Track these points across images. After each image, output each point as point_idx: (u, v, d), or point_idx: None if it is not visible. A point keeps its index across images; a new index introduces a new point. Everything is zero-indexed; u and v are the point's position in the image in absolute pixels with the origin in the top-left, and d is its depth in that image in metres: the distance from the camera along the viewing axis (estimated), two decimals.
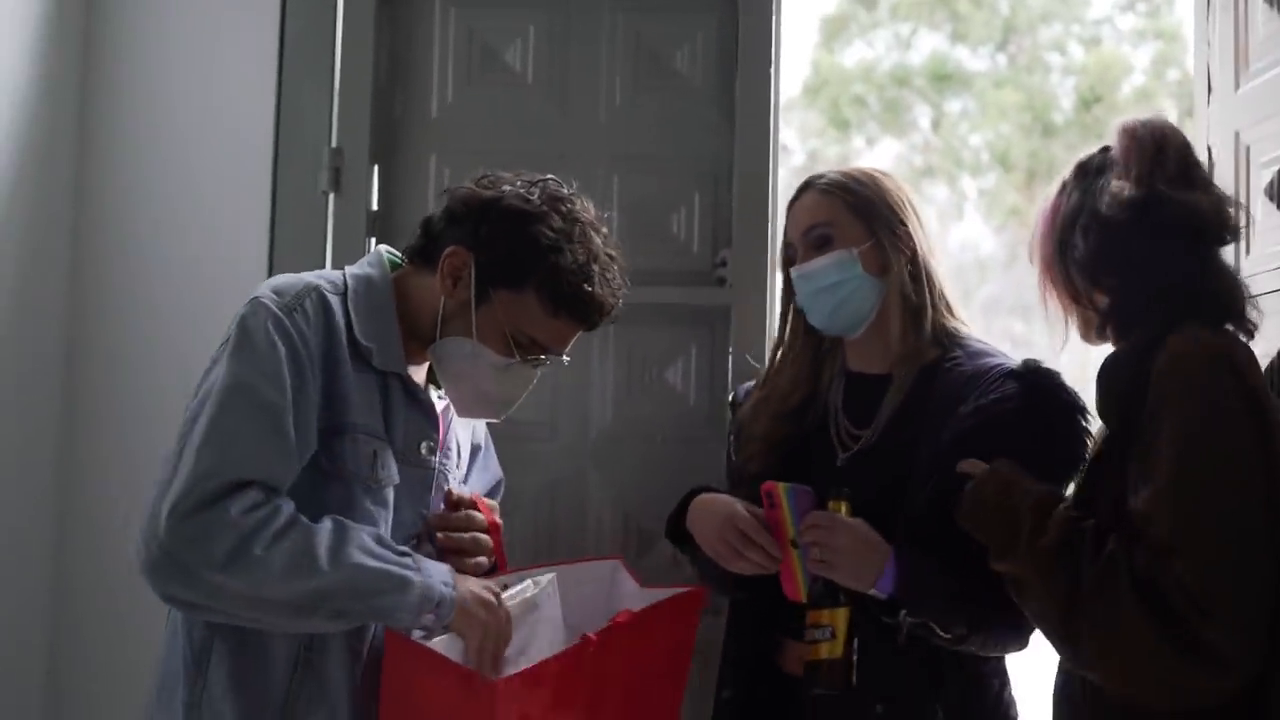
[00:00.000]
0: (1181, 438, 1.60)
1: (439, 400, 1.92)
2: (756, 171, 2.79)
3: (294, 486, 1.68)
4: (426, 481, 1.85)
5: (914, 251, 2.06)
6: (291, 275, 1.83)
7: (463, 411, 1.92)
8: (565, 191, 1.87)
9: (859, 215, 2.05)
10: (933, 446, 1.92)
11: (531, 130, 2.86)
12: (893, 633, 1.87)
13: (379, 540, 1.69)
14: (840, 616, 1.86)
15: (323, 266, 2.72)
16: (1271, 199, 2.87)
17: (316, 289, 1.77)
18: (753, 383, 2.24)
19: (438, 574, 1.73)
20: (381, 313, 1.81)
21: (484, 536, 1.90)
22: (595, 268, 1.81)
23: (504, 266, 1.80)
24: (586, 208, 1.87)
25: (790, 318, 2.16)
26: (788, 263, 2.12)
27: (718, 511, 2.00)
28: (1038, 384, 1.96)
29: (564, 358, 1.91)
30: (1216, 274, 1.76)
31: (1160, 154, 1.77)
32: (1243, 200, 2.97)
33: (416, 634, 1.73)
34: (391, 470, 1.78)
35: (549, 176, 1.91)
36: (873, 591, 1.86)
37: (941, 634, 1.87)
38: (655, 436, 2.78)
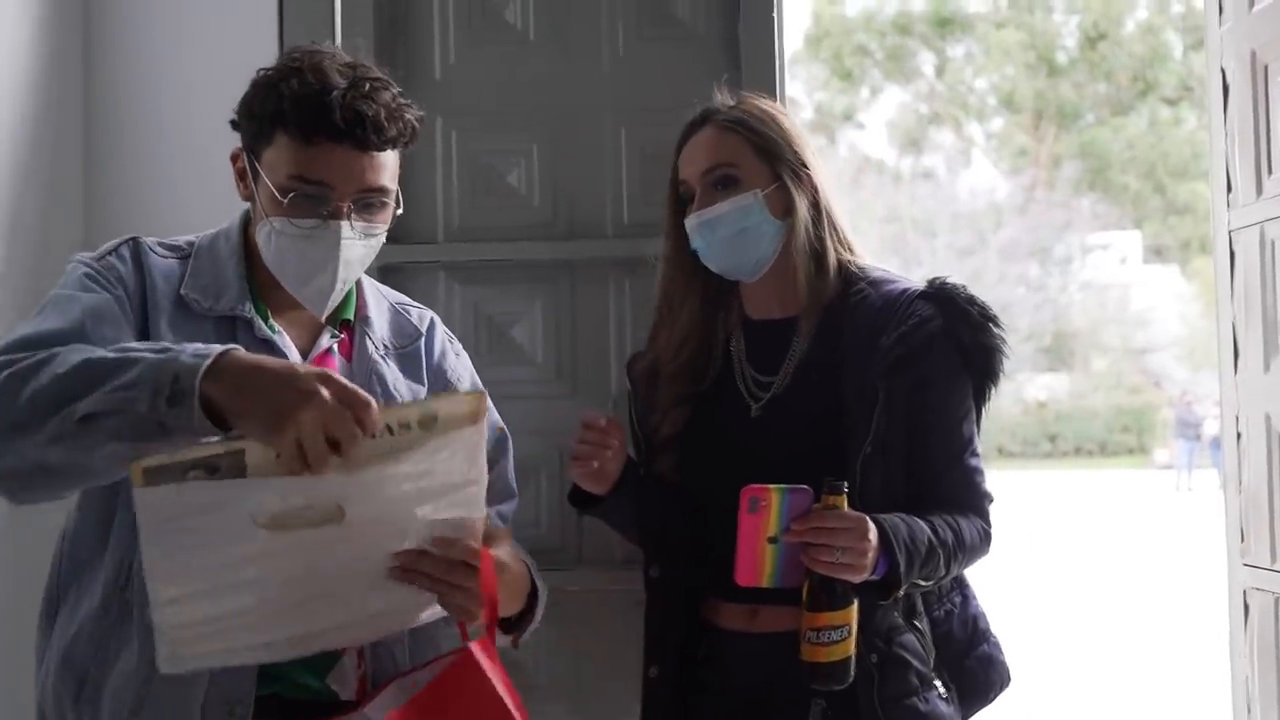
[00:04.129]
0: None
1: (330, 339, 1.83)
2: None
3: None
4: None
5: (815, 192, 2.02)
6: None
7: (306, 300, 1.78)
8: (305, 47, 1.78)
9: (763, 156, 2.00)
10: (860, 380, 1.92)
11: (536, 87, 2.83)
12: (879, 605, 1.89)
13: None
14: (854, 613, 1.82)
15: None
16: None
17: (132, 239, 1.79)
18: (643, 350, 2.20)
19: (191, 348, 1.49)
20: (219, 261, 1.79)
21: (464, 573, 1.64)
22: (336, 83, 1.69)
23: (255, 129, 1.74)
24: (330, 51, 1.76)
25: (675, 262, 2.09)
26: (679, 203, 2.05)
27: None
28: (948, 300, 1.97)
29: (388, 203, 1.77)
30: None
31: None
32: (1260, 119, 2.93)
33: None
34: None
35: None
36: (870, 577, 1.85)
37: (924, 584, 1.91)
38: None
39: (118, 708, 1.66)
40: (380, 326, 1.90)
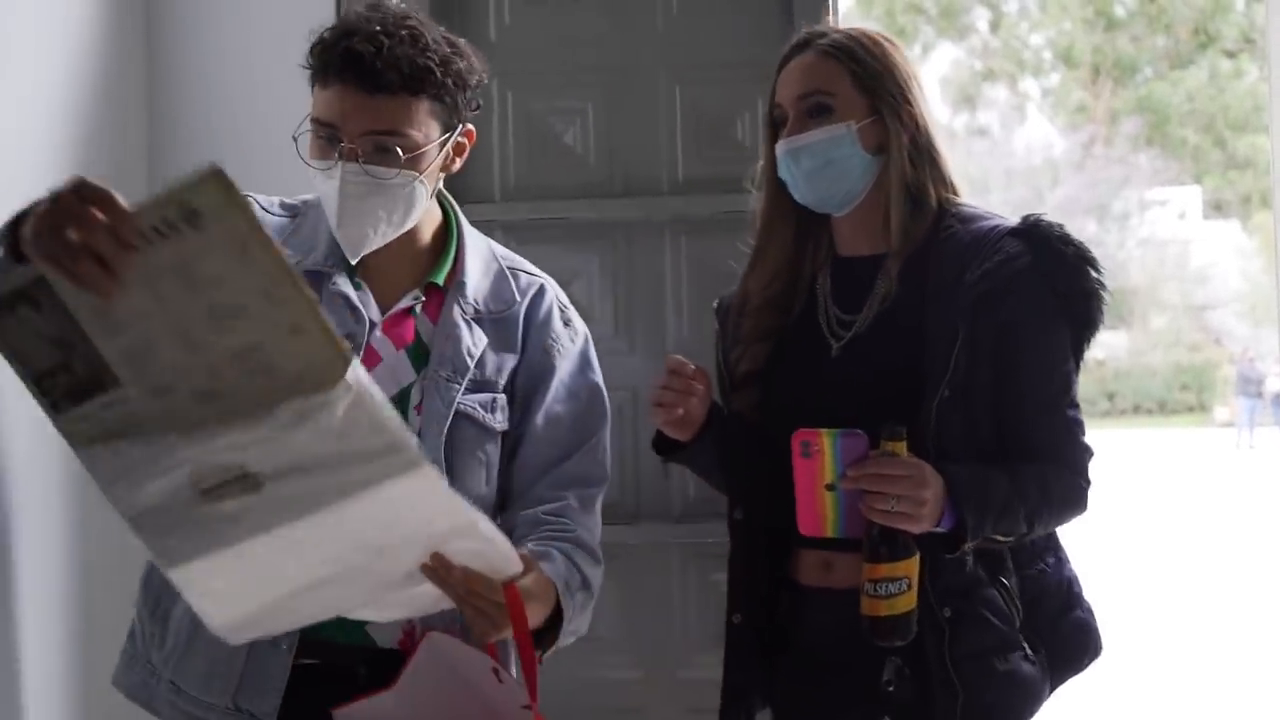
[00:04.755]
0: None
1: (411, 300, 1.82)
2: None
3: None
4: None
5: (917, 129, 1.90)
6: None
7: (339, 238, 1.80)
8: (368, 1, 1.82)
9: (863, 88, 1.88)
10: (942, 319, 1.82)
11: (590, 45, 2.86)
12: (955, 558, 1.78)
13: None
14: (915, 565, 1.71)
15: None
16: None
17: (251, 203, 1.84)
18: (734, 289, 2.08)
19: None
20: (319, 219, 1.83)
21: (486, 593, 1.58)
22: (353, 29, 1.71)
23: (310, 84, 1.79)
24: (380, 6, 1.77)
25: (768, 193, 1.98)
26: (773, 126, 1.94)
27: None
28: (1041, 238, 1.84)
29: (403, 148, 1.72)
30: None
31: None
32: None
33: None
34: None
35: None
36: (937, 529, 1.74)
37: (1003, 540, 1.80)
38: None
39: (179, 630, 1.77)
40: (478, 290, 1.86)
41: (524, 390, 1.85)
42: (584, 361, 1.92)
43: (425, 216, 1.84)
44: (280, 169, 2.31)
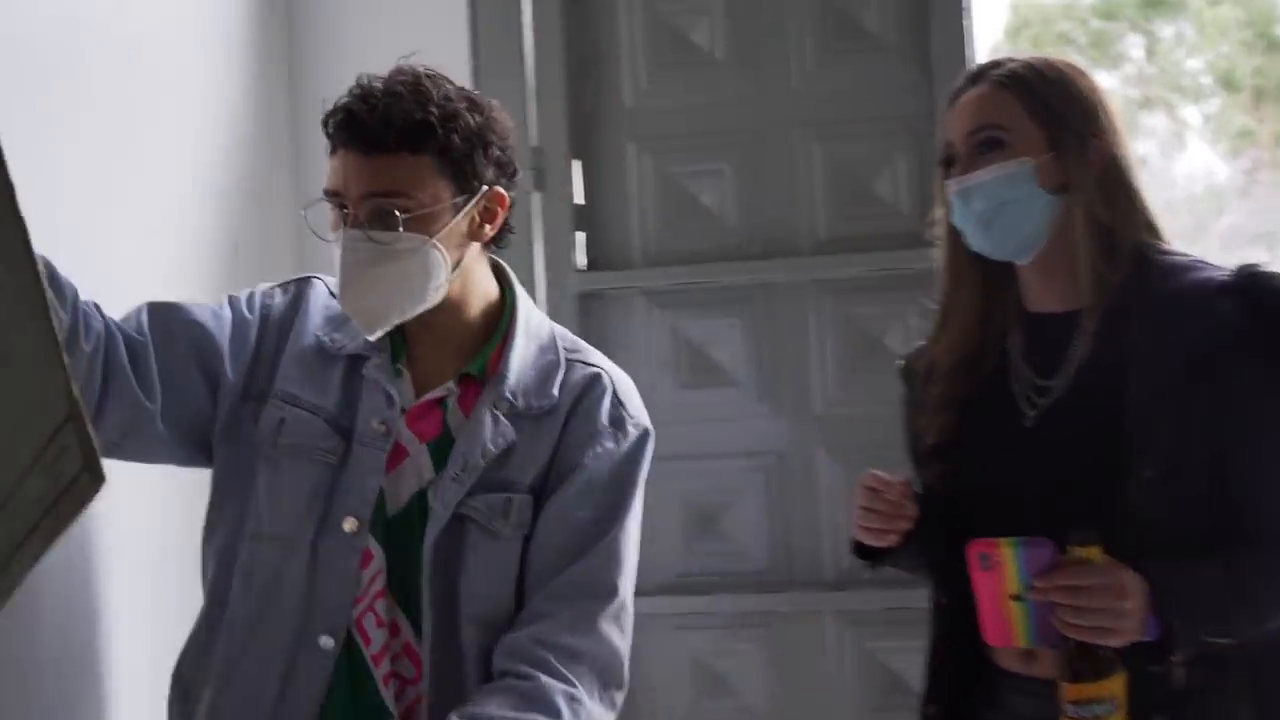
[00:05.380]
0: None
1: (443, 390, 1.69)
2: None
3: (223, 443, 1.68)
4: (377, 461, 1.65)
5: (1106, 165, 1.67)
6: None
7: (348, 312, 1.69)
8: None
9: (1041, 120, 1.67)
10: (1145, 389, 1.60)
11: (726, 106, 2.84)
12: (1165, 670, 1.57)
13: None
14: (1121, 683, 1.52)
15: (531, 265, 2.76)
16: None
17: (308, 278, 1.78)
18: (922, 344, 1.88)
19: None
20: None
21: None
22: (361, 88, 1.62)
23: None
24: (410, 67, 1.66)
25: (948, 243, 1.77)
26: (946, 168, 1.73)
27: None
28: (1259, 293, 1.61)
29: (403, 210, 1.59)
30: None
31: None
32: None
33: None
34: (308, 439, 1.66)
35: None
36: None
37: (1221, 641, 1.58)
38: (882, 406, 2.71)
39: None
40: (520, 383, 1.70)
41: (550, 488, 1.68)
42: (626, 466, 1.72)
43: (472, 294, 1.71)
44: None
